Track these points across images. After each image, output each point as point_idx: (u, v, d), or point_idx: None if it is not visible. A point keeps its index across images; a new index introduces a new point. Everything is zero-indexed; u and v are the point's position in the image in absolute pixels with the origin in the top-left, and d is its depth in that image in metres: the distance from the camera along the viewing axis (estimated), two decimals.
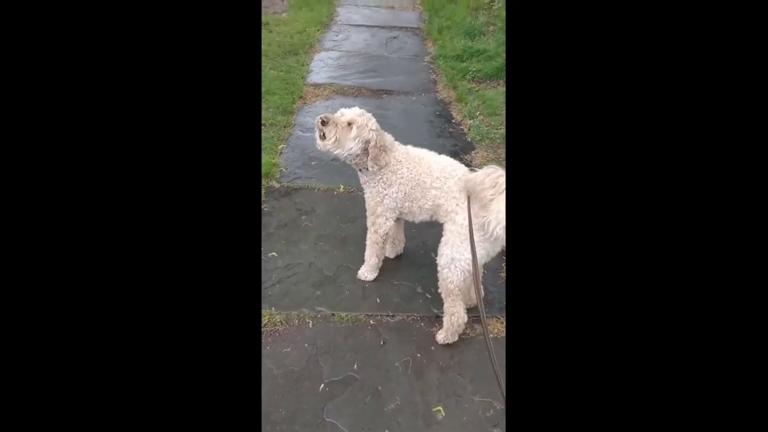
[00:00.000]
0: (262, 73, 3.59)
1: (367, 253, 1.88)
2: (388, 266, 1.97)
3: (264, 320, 1.71)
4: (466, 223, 1.47)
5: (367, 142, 1.55)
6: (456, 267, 1.52)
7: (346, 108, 1.62)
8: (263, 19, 4.80)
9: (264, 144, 2.73)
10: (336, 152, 1.57)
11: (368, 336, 1.70)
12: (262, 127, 2.93)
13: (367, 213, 1.76)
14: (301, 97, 3.37)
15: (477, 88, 3.63)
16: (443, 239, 1.57)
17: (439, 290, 1.63)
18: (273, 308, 1.76)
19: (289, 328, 1.70)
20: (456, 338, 1.68)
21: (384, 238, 1.77)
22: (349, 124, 1.53)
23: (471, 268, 1.48)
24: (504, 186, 1.37)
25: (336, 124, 1.52)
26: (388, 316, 1.78)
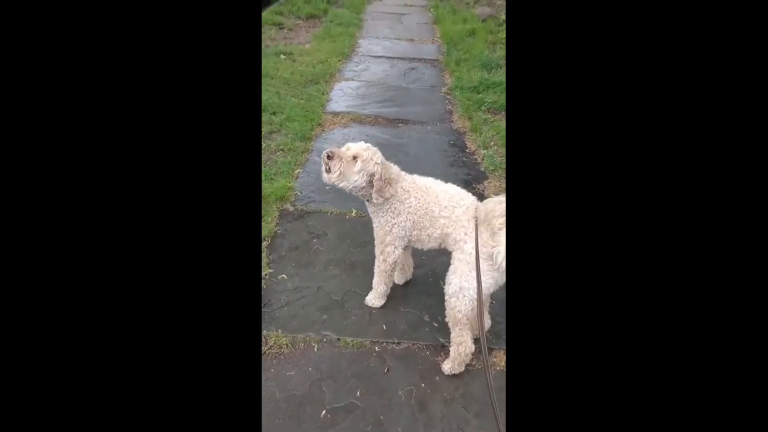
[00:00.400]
0: (284, 101, 3.74)
1: (375, 281, 1.89)
2: (395, 293, 1.98)
3: (270, 342, 1.72)
4: (474, 252, 1.48)
5: (372, 175, 1.59)
6: (464, 296, 1.51)
7: (356, 140, 1.68)
8: (287, 48, 5.03)
9: (281, 168, 2.82)
10: (341, 185, 1.61)
11: (373, 363, 1.69)
12: (281, 153, 3.03)
13: (375, 242, 1.78)
14: (319, 125, 3.48)
15: (492, 119, 3.68)
16: (451, 268, 1.58)
17: (446, 319, 1.62)
18: (280, 330, 1.78)
19: (294, 351, 1.71)
20: (462, 368, 1.65)
21: (392, 266, 1.79)
22: (354, 157, 1.58)
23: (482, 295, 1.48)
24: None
25: (341, 158, 1.57)
26: (394, 343, 1.78)
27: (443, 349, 1.75)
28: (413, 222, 1.66)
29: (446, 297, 1.58)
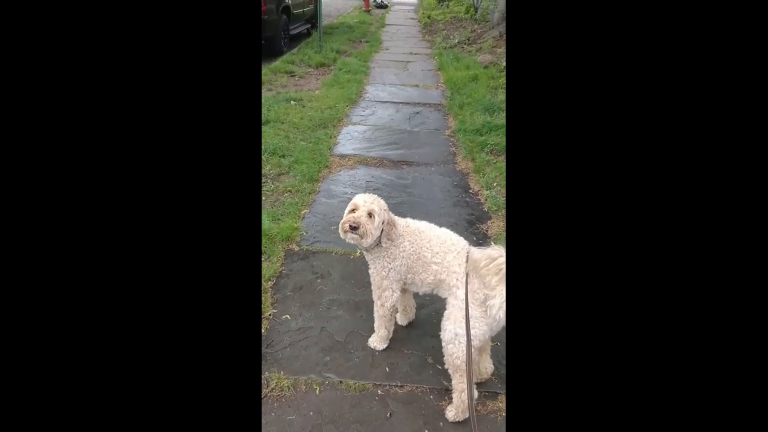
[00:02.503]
0: (293, 144, 3.89)
1: (376, 325, 1.90)
2: (398, 335, 1.97)
3: (272, 384, 1.71)
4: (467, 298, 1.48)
5: (383, 222, 1.64)
6: (460, 342, 1.50)
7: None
8: (298, 95, 5.28)
9: (288, 209, 2.89)
10: (368, 244, 1.64)
11: (375, 407, 1.66)
12: (288, 194, 3.12)
13: (372, 287, 1.80)
14: (326, 167, 3.60)
15: (495, 161, 3.77)
16: (446, 314, 1.58)
17: (446, 366, 1.60)
18: (282, 372, 1.76)
19: (295, 394, 1.68)
20: (467, 415, 1.61)
21: (391, 311, 1.80)
22: (369, 215, 1.62)
23: (475, 342, 1.47)
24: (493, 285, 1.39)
25: (364, 225, 1.61)
26: (397, 386, 1.75)
27: (447, 393, 1.71)
28: (407, 266, 1.68)
29: (443, 344, 1.57)
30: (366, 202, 1.64)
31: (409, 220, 1.75)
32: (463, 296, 1.50)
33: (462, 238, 1.69)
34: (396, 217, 1.74)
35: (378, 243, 1.68)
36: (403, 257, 1.67)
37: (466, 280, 1.52)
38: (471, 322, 1.46)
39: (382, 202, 1.68)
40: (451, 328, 1.52)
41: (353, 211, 1.64)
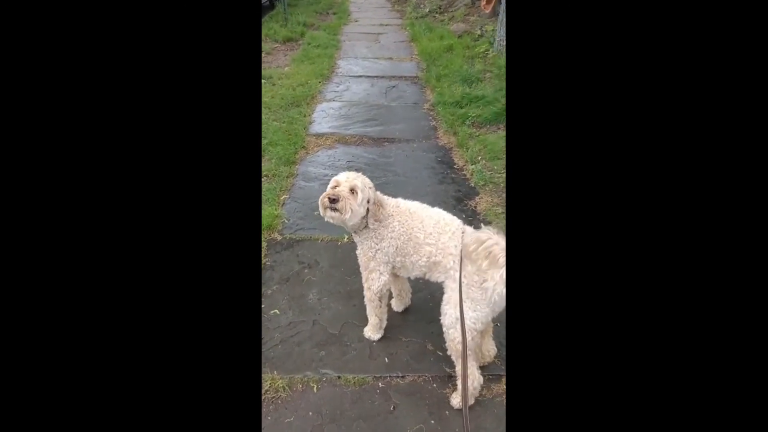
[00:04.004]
0: (266, 125, 3.66)
1: (368, 312, 1.80)
2: (395, 321, 1.88)
3: (266, 386, 1.60)
4: (465, 281, 1.41)
5: (368, 201, 1.53)
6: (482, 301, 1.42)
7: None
8: (266, 72, 4.98)
9: (266, 195, 2.72)
10: (351, 222, 1.52)
11: (377, 401, 1.58)
12: (265, 179, 2.93)
13: (360, 269, 1.70)
14: (303, 147, 3.41)
15: (477, 133, 3.67)
16: (445, 297, 1.50)
17: (448, 352, 1.53)
18: (275, 372, 1.66)
19: (292, 395, 1.59)
20: (473, 401, 1.56)
21: (378, 295, 1.69)
22: (352, 190, 1.50)
23: (477, 325, 1.41)
24: (500, 256, 1.31)
25: (344, 198, 1.48)
26: (398, 377, 1.67)
27: (450, 380, 1.65)
28: (396, 247, 1.58)
29: (444, 329, 1.50)
30: (349, 178, 1.53)
31: (399, 200, 1.64)
32: (462, 278, 1.42)
33: (455, 217, 1.59)
34: (385, 197, 1.63)
35: (365, 225, 1.57)
36: (392, 237, 1.57)
37: (460, 264, 1.43)
38: (472, 305, 1.40)
39: (367, 180, 1.56)
40: (452, 312, 1.44)
41: (335, 187, 1.52)
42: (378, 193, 1.61)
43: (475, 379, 1.50)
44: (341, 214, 1.49)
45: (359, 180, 1.52)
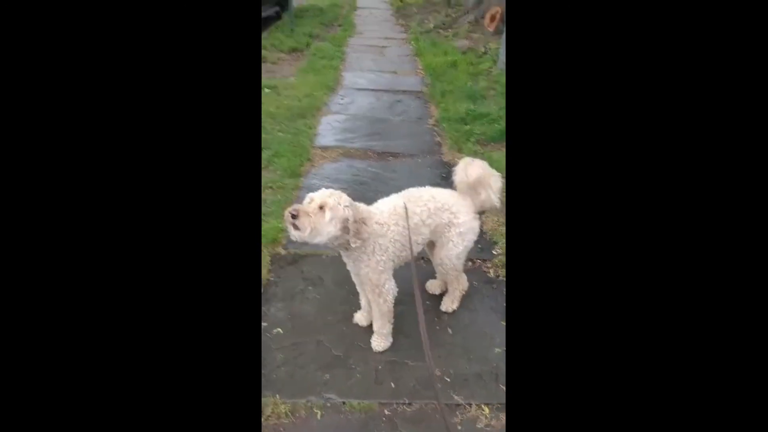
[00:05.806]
0: (271, 136, 3.64)
1: (377, 325, 1.78)
2: (401, 345, 1.84)
3: (268, 411, 1.54)
4: (469, 218, 1.77)
5: (345, 219, 1.49)
6: (473, 235, 1.81)
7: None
8: (272, 82, 4.98)
9: (271, 208, 2.68)
10: (316, 240, 1.48)
11: (383, 430, 1.53)
12: (270, 191, 2.90)
13: (367, 288, 1.68)
14: (309, 160, 3.38)
15: (482, 151, 3.66)
16: (440, 243, 1.81)
17: (451, 267, 1.83)
18: (278, 395, 1.60)
19: (295, 421, 1.53)
20: (456, 305, 1.99)
21: (392, 301, 1.74)
22: (321, 207, 1.46)
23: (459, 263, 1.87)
24: (486, 175, 1.79)
25: (307, 213, 1.45)
26: (404, 404, 1.62)
27: (458, 408, 1.60)
28: (402, 244, 1.67)
29: (447, 261, 1.81)
30: (323, 195, 1.50)
31: (379, 204, 1.74)
32: (463, 217, 1.76)
33: (436, 187, 1.83)
34: (371, 209, 1.63)
35: (346, 244, 1.54)
36: (393, 240, 1.64)
37: (407, 220, 1.65)
38: (469, 237, 1.80)
39: (345, 197, 1.52)
40: (469, 222, 1.79)
41: (310, 203, 1.50)
42: (363, 207, 1.59)
43: (464, 282, 1.98)
44: (298, 230, 1.45)
45: (333, 198, 1.48)
